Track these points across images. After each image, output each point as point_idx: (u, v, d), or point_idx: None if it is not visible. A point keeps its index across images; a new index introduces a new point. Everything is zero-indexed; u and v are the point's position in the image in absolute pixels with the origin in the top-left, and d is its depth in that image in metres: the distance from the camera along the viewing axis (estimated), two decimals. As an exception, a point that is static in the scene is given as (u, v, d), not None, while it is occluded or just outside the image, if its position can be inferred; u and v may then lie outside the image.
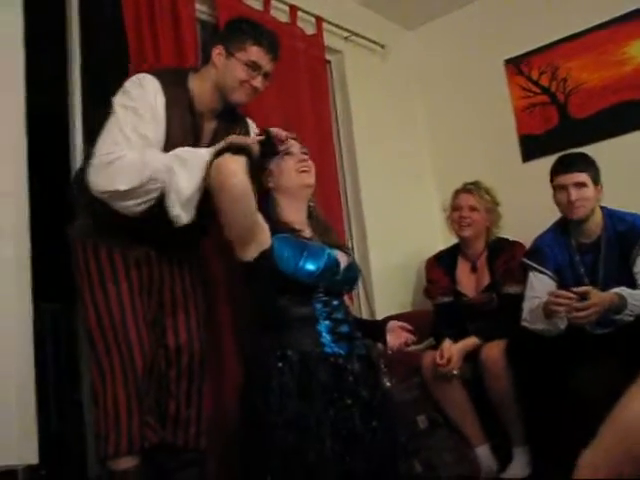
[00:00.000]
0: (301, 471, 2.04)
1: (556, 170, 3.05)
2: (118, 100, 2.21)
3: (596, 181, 2.99)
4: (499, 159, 4.31)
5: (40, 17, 2.67)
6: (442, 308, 3.51)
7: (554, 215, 3.16)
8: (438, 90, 4.63)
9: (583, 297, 2.71)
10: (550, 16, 4.12)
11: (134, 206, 2.10)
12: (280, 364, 2.13)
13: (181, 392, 2.38)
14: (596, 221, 3.02)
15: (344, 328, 2.29)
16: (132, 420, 2.18)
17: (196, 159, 2.09)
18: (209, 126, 2.40)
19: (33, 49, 2.59)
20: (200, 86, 2.36)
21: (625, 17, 3.87)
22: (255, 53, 2.33)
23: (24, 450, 2.25)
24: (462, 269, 3.54)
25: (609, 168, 3.08)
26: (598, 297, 2.71)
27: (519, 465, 2.98)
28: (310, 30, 3.84)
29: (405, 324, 2.47)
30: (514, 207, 3.95)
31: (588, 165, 3.01)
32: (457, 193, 3.58)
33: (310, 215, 2.46)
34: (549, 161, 3.17)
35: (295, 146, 2.44)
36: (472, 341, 3.16)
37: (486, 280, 3.42)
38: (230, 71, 2.32)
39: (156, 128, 2.20)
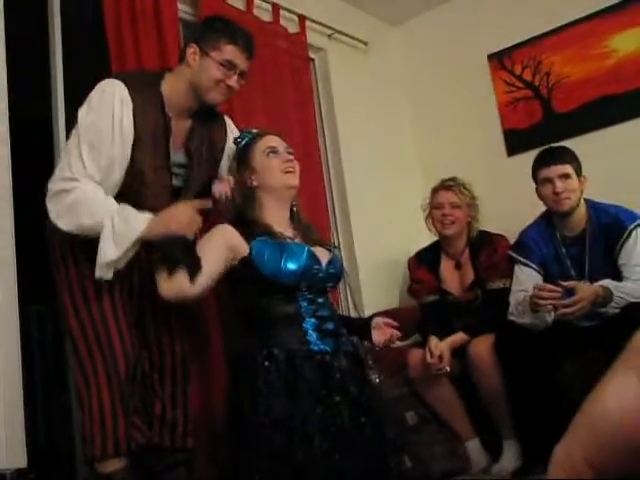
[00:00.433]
0: (290, 470, 2.03)
1: (540, 163, 3.07)
2: (81, 114, 2.18)
3: (579, 173, 3.01)
4: (484, 154, 4.33)
5: (21, 19, 2.66)
6: (428, 307, 3.48)
7: (539, 209, 3.17)
8: (422, 86, 4.64)
9: (570, 291, 2.73)
10: (532, 10, 4.14)
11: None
12: (266, 363, 2.13)
13: (166, 393, 2.37)
14: (581, 214, 3.03)
15: (330, 325, 2.29)
16: (118, 422, 2.16)
17: (127, 234, 2.09)
18: (183, 125, 2.37)
19: (15, 52, 2.57)
20: (174, 86, 2.32)
21: (606, 10, 3.89)
22: (230, 52, 2.29)
23: (12, 454, 2.25)
24: (446, 267, 3.50)
25: (593, 161, 3.11)
26: (585, 291, 2.72)
27: (508, 458, 2.99)
28: (293, 29, 3.84)
29: (390, 320, 2.47)
30: (499, 201, 3.99)
31: (571, 157, 3.03)
32: (436, 191, 3.51)
33: (292, 215, 2.45)
34: (534, 155, 3.19)
35: (281, 146, 2.42)
36: (459, 337, 3.15)
37: (470, 276, 3.39)
38: (205, 71, 2.28)
39: (117, 142, 2.17)
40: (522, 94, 4.22)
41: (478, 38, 4.36)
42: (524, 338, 2.88)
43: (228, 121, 2.61)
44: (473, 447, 3.13)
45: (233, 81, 2.32)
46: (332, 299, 2.53)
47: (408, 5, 4.51)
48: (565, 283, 2.75)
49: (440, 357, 3.06)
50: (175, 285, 2.13)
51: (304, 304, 2.27)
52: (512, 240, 3.30)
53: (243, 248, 2.25)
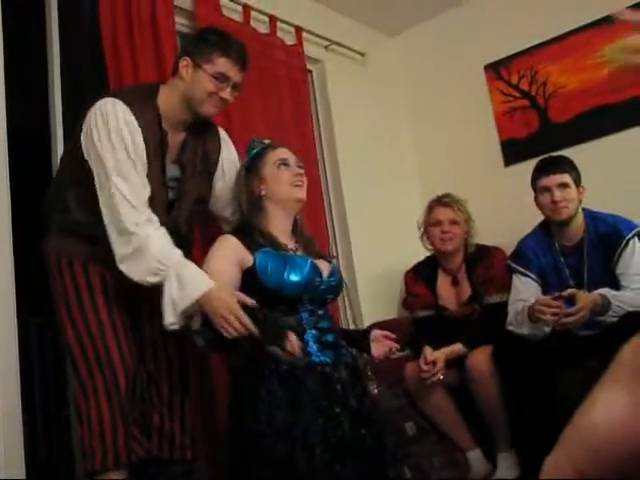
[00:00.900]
0: (291, 481, 2.04)
1: (539, 172, 3.08)
2: (97, 149, 2.17)
3: (577, 183, 3.02)
4: (481, 164, 4.34)
5: (19, 30, 2.67)
6: (421, 321, 3.45)
7: (537, 218, 3.18)
8: (419, 97, 4.66)
9: (569, 300, 2.73)
10: (528, 21, 4.16)
11: None
12: (268, 373, 2.13)
13: (163, 405, 2.37)
14: (578, 223, 3.04)
15: (329, 337, 2.29)
16: (117, 435, 2.16)
17: (182, 300, 2.08)
18: (177, 138, 2.37)
19: (12, 63, 2.58)
20: (168, 99, 2.32)
21: (601, 21, 3.91)
22: (223, 65, 2.28)
23: (11, 467, 2.24)
24: (443, 283, 3.48)
25: (589, 171, 3.11)
26: (584, 300, 2.72)
27: (503, 471, 2.97)
28: (290, 40, 3.86)
29: (388, 333, 2.46)
30: (496, 211, 3.99)
31: (570, 167, 3.04)
32: (432, 208, 3.49)
33: (295, 227, 2.46)
34: (531, 165, 3.20)
35: (292, 159, 2.43)
36: (457, 348, 3.14)
37: (467, 292, 3.38)
38: (198, 83, 2.27)
39: (138, 164, 2.19)
40: (519, 104, 4.24)
41: (475, 48, 4.38)
42: (522, 348, 2.88)
43: (222, 133, 2.61)
44: (475, 457, 3.11)
45: (226, 93, 2.31)
46: (332, 311, 2.53)
47: (405, 16, 4.52)
48: (565, 292, 2.76)
49: (434, 363, 3.03)
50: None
51: (305, 315, 2.27)
52: (509, 250, 3.30)
53: (248, 259, 2.25)
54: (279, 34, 3.76)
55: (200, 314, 2.10)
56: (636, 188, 3.68)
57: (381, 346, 2.42)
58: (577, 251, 3.04)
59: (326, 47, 4.18)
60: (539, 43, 4.15)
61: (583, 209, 3.07)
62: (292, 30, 3.88)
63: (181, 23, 3.32)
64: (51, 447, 3.54)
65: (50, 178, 2.75)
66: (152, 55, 2.95)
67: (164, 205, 2.33)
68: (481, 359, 3.01)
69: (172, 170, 2.37)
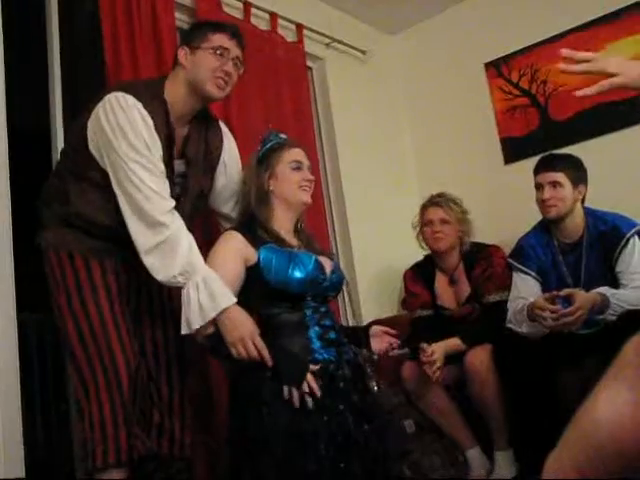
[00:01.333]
0: (296, 479, 2.03)
1: (535, 169, 3.11)
2: (122, 149, 2.14)
3: (576, 182, 3.01)
4: (481, 162, 4.34)
5: (19, 30, 2.67)
6: (420, 321, 3.45)
7: (536, 216, 3.18)
8: (420, 95, 4.66)
9: (567, 299, 2.73)
10: (529, 19, 4.16)
11: None
12: (269, 373, 2.12)
13: (163, 401, 2.37)
14: (577, 221, 3.04)
15: (332, 334, 2.30)
16: (119, 431, 2.15)
17: (213, 309, 2.09)
18: (181, 133, 2.37)
19: (13, 63, 2.58)
20: (174, 91, 2.32)
21: (603, 19, 3.91)
22: (219, 39, 2.30)
23: (10, 464, 2.24)
24: (440, 283, 3.48)
25: (589, 169, 3.10)
26: (582, 299, 2.72)
27: (501, 469, 2.97)
28: (291, 37, 3.85)
29: (388, 329, 2.48)
30: (497, 209, 4.00)
31: (568, 165, 3.03)
32: (425, 208, 3.50)
33: (297, 226, 2.48)
34: (531, 163, 3.21)
35: (305, 162, 2.46)
36: (455, 342, 3.11)
37: (466, 291, 3.37)
38: (199, 64, 2.28)
39: (156, 157, 2.19)
40: (519, 102, 4.24)
41: (475, 46, 4.38)
42: (522, 346, 2.88)
43: (224, 127, 2.61)
44: (474, 455, 3.11)
45: (229, 66, 2.32)
46: (332, 308, 2.54)
47: (406, 14, 4.52)
48: (562, 292, 2.76)
49: (432, 353, 3.00)
50: None
51: (309, 312, 2.28)
52: (508, 248, 3.30)
53: (252, 255, 2.26)
54: (280, 31, 3.75)
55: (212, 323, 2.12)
56: (636, 186, 3.68)
57: (381, 341, 2.44)
58: (576, 249, 3.04)
59: (327, 44, 4.17)
60: (540, 41, 4.14)
61: (584, 208, 3.07)
62: (293, 27, 3.88)
63: (181, 19, 3.31)
64: (51, 445, 3.54)
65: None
66: (152, 51, 2.94)
67: None
68: (480, 357, 3.01)
69: (178, 165, 2.37)
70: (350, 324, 3.31)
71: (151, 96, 2.26)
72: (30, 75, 3.15)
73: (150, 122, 2.19)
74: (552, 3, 4.07)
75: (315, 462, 2.03)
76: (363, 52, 4.40)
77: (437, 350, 3.02)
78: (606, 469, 0.92)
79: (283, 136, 2.51)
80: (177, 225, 2.14)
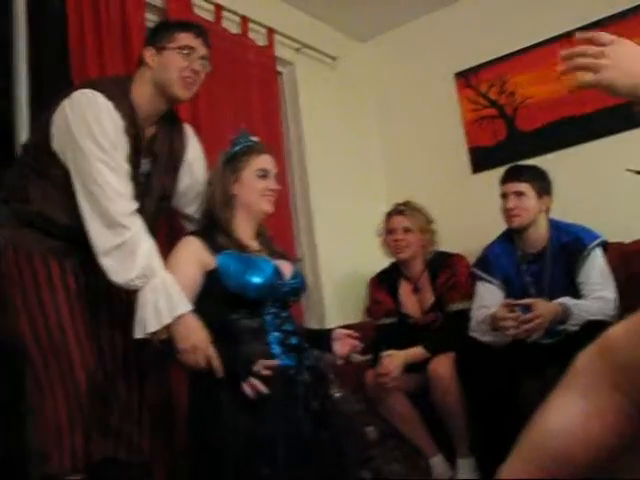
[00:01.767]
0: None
1: (502, 179, 3.14)
2: (88, 147, 2.11)
3: (541, 193, 3.04)
4: (450, 170, 4.37)
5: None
6: (384, 328, 3.45)
7: (503, 226, 3.20)
8: (389, 102, 4.68)
9: (528, 309, 2.76)
10: (499, 31, 4.21)
11: None
12: (229, 378, 2.11)
13: (121, 405, 2.33)
14: (540, 231, 3.07)
15: (293, 340, 2.29)
16: (75, 436, 2.10)
17: (169, 312, 2.08)
18: (148, 132, 2.35)
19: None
20: (140, 92, 2.29)
21: (570, 34, 3.95)
22: (185, 38, 2.29)
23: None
24: (404, 291, 3.48)
25: (554, 180, 3.14)
26: (542, 307, 2.75)
27: (463, 477, 2.98)
28: (261, 41, 3.85)
29: (351, 332, 2.47)
30: (463, 218, 4.03)
31: (533, 176, 3.07)
32: (389, 216, 3.51)
33: (258, 231, 2.48)
34: (498, 172, 3.24)
35: (272, 170, 2.45)
36: (418, 351, 3.12)
37: (430, 299, 3.38)
38: (165, 64, 2.27)
39: (121, 158, 2.17)
40: (487, 112, 4.28)
41: (445, 56, 4.42)
42: (485, 355, 2.90)
43: (188, 129, 2.59)
44: (437, 463, 3.11)
45: (196, 64, 2.30)
46: (296, 313, 2.53)
47: (376, 21, 4.54)
48: (522, 301, 2.79)
49: (390, 363, 3.01)
50: None
51: (268, 318, 2.27)
52: (474, 257, 3.32)
53: (210, 261, 2.26)
54: (250, 35, 3.75)
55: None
56: (599, 199, 3.73)
57: (343, 344, 2.43)
58: (539, 259, 3.07)
59: (297, 49, 4.17)
60: (508, 53, 4.19)
61: (548, 219, 3.10)
62: (264, 31, 3.87)
63: (152, 20, 3.28)
64: (8, 448, 3.46)
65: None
66: (120, 51, 2.92)
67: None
68: (443, 365, 3.01)
69: (144, 165, 2.35)
70: (312, 326, 3.30)
71: (120, 95, 2.23)
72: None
73: (119, 121, 2.17)
74: (521, 17, 4.12)
75: (271, 467, 2.02)
76: (333, 58, 4.41)
77: (396, 359, 3.02)
78: (560, 476, 0.93)
79: (254, 139, 2.50)
80: (138, 227, 2.11)
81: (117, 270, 2.08)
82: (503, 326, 2.77)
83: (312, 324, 3.57)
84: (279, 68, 4.10)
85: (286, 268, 2.40)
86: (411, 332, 3.34)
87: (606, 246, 3.06)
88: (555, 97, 3.99)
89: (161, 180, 2.42)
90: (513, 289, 3.06)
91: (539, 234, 3.07)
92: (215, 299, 2.25)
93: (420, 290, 3.43)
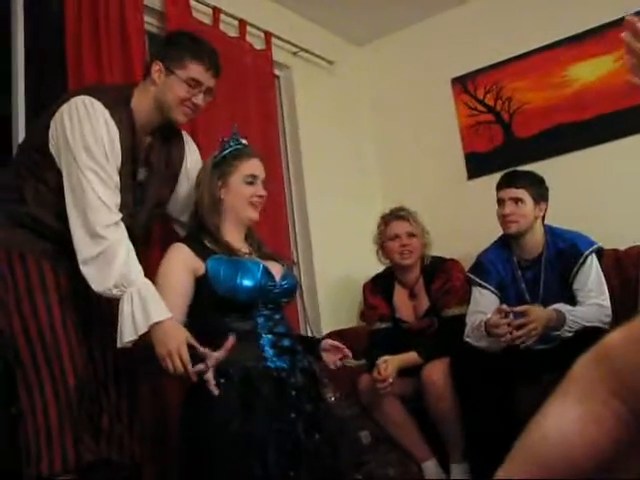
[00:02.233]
0: (245, 486, 2.02)
1: (498, 185, 3.14)
2: (79, 155, 2.11)
3: (537, 199, 3.05)
4: (445, 176, 4.37)
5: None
6: (378, 333, 3.43)
7: (498, 232, 3.21)
8: (386, 107, 4.68)
9: (523, 315, 2.76)
10: (496, 36, 4.21)
11: None
12: (222, 380, 2.11)
13: (111, 406, 2.32)
14: (536, 238, 3.07)
15: (286, 342, 2.30)
16: (65, 438, 2.09)
17: (144, 321, 2.06)
18: (145, 141, 2.36)
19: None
20: (141, 103, 2.30)
21: (567, 40, 3.98)
22: (195, 70, 2.27)
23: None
24: (399, 296, 3.46)
25: (551, 187, 3.14)
26: (536, 313, 2.75)
27: None
28: (259, 45, 3.85)
29: (338, 344, 2.46)
30: (459, 223, 4.03)
31: (529, 182, 3.06)
32: (388, 222, 3.47)
33: (247, 234, 2.48)
34: (493, 179, 3.24)
35: (260, 175, 2.43)
36: (412, 356, 3.12)
37: (425, 305, 3.36)
38: (170, 89, 2.26)
39: (112, 166, 2.16)
40: (484, 118, 4.28)
41: (442, 61, 4.42)
42: (479, 361, 2.90)
43: (186, 137, 2.59)
44: (430, 467, 3.11)
45: (199, 99, 2.30)
46: (289, 316, 2.53)
47: (374, 26, 4.55)
48: (517, 308, 2.79)
49: (385, 368, 3.00)
50: None
51: (260, 320, 2.27)
52: (469, 263, 3.32)
53: (200, 267, 2.26)
54: (248, 38, 3.75)
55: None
56: (595, 205, 3.74)
57: (332, 355, 2.43)
58: (535, 265, 3.08)
59: (294, 53, 4.18)
60: (506, 59, 4.20)
61: (544, 225, 3.11)
62: (261, 35, 3.88)
63: (150, 23, 3.29)
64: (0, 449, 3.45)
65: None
66: (119, 53, 2.91)
67: (128, 209, 2.30)
68: (437, 371, 3.01)
69: (139, 174, 2.35)
70: (308, 332, 3.30)
71: (119, 104, 2.23)
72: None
73: (114, 131, 2.17)
74: (519, 23, 4.13)
75: (263, 469, 2.01)
76: (330, 62, 4.41)
77: (391, 365, 3.02)
78: None
79: (244, 141, 2.48)
80: (117, 237, 2.10)
81: (95, 279, 2.08)
82: (497, 332, 2.77)
83: (306, 328, 3.57)
84: (276, 72, 4.11)
85: (276, 270, 2.39)
86: (405, 337, 3.33)
87: (602, 253, 3.07)
88: (552, 103, 4.01)
89: (158, 189, 2.42)
90: (508, 295, 3.07)
91: (535, 240, 3.08)
92: (206, 304, 2.26)
93: (415, 295, 3.42)
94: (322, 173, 4.17)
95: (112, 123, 2.16)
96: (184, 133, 2.59)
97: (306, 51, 4.21)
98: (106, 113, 2.16)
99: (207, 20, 3.52)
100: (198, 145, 2.67)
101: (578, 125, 3.91)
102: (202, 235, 2.36)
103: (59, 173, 2.17)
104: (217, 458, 2.04)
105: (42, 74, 2.82)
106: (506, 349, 2.84)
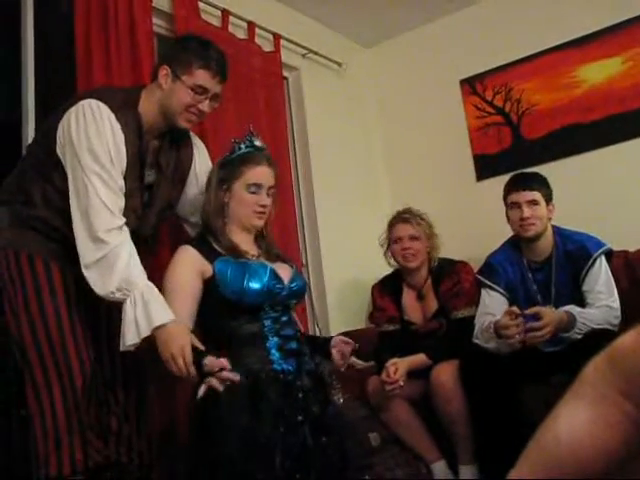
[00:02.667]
0: (252, 488, 2.02)
1: (510, 188, 3.09)
2: (85, 158, 2.11)
3: (548, 200, 3.04)
4: (454, 178, 4.37)
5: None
6: (386, 335, 3.42)
7: (507, 234, 3.20)
8: (394, 108, 4.69)
9: (535, 317, 2.75)
10: (505, 38, 4.21)
11: None
12: (229, 382, 2.11)
13: (120, 407, 2.33)
14: (547, 240, 3.06)
15: (293, 344, 2.29)
16: (74, 439, 2.10)
17: (147, 325, 2.05)
18: (153, 145, 2.36)
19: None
20: (147, 107, 2.29)
21: (576, 42, 3.97)
22: (201, 77, 2.25)
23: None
24: (408, 298, 3.44)
25: (559, 188, 3.13)
26: (550, 315, 2.74)
27: None
28: (268, 47, 3.86)
29: (347, 339, 2.45)
30: (467, 225, 4.02)
31: (541, 184, 3.05)
32: (393, 224, 3.45)
33: (257, 235, 2.47)
34: (502, 180, 3.22)
35: (266, 183, 2.39)
36: (420, 358, 3.11)
37: (433, 306, 3.34)
38: (175, 95, 2.25)
39: (117, 171, 2.16)
40: (492, 120, 4.28)
41: (451, 63, 4.42)
42: (488, 363, 2.89)
43: (195, 139, 2.59)
44: (439, 469, 3.10)
45: (204, 105, 2.29)
46: (298, 318, 2.52)
47: (382, 28, 4.55)
48: (528, 310, 2.77)
49: (395, 371, 2.98)
50: None
51: (268, 323, 2.27)
52: (478, 265, 3.30)
53: (207, 269, 2.26)
54: (257, 40, 3.76)
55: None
56: (604, 207, 3.74)
57: (340, 350, 2.40)
58: (545, 267, 3.06)
59: (303, 55, 4.19)
60: (514, 60, 4.20)
61: (552, 226, 3.10)
62: (270, 37, 3.89)
63: (159, 25, 3.30)
64: (10, 451, 3.46)
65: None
66: (128, 56, 2.92)
67: (136, 212, 2.31)
68: (446, 373, 2.99)
69: (148, 176, 2.35)
70: (317, 333, 3.30)
71: (126, 107, 2.23)
72: (2, 66, 3.11)
73: (120, 135, 2.16)
74: (527, 24, 4.13)
75: (269, 472, 2.01)
76: (339, 64, 4.42)
77: (400, 367, 3.02)
78: None
79: (257, 143, 2.44)
80: (119, 241, 2.09)
81: (97, 283, 2.08)
82: (506, 334, 2.76)
83: (314, 329, 3.57)
84: (285, 74, 4.12)
85: (285, 271, 2.38)
86: (414, 339, 3.33)
87: (611, 254, 3.06)
88: (560, 105, 4.01)
89: (167, 191, 2.43)
90: (518, 297, 3.06)
91: (546, 242, 3.06)
92: (213, 306, 2.25)
93: (424, 297, 3.41)
94: (331, 175, 4.17)
95: (118, 127, 2.16)
96: (193, 135, 2.59)
97: (315, 53, 4.21)
98: (112, 116, 2.16)
99: (216, 22, 3.53)
100: (207, 147, 2.67)
101: (587, 126, 3.91)
102: (209, 237, 2.36)
103: (66, 175, 2.17)
104: (224, 460, 2.03)
105: (51, 78, 2.84)
106: (515, 351, 2.84)
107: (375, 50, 4.81)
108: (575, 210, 3.40)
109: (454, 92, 4.42)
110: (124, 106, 2.23)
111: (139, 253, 2.16)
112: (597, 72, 3.90)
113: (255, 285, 2.23)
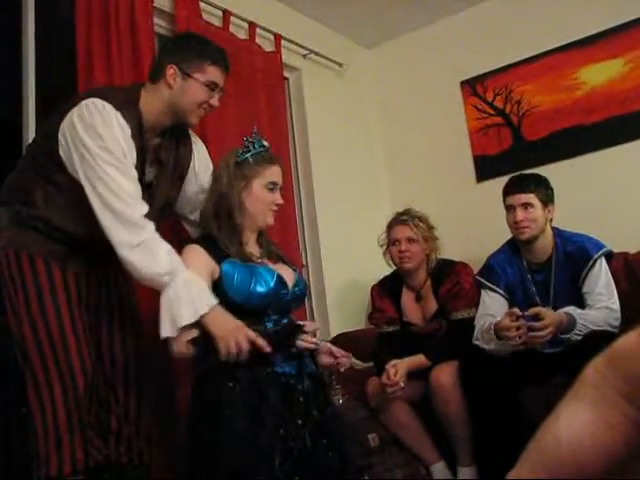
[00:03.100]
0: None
1: (506, 190, 3.10)
2: (95, 151, 2.11)
3: (546, 202, 3.03)
4: (454, 179, 4.37)
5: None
6: (386, 336, 3.42)
7: (507, 235, 3.20)
8: (395, 109, 4.69)
9: (535, 318, 2.75)
10: (505, 39, 4.22)
11: None
12: (230, 384, 2.11)
13: (120, 406, 2.33)
14: (546, 241, 3.06)
15: (293, 347, 2.28)
16: (74, 439, 2.11)
17: (206, 301, 2.10)
18: (153, 143, 2.36)
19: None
20: (151, 104, 2.29)
21: (577, 43, 3.97)
22: (213, 73, 2.29)
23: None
24: (407, 299, 3.44)
25: (559, 190, 3.13)
26: (551, 316, 2.74)
27: None
28: (269, 47, 3.86)
29: (336, 350, 2.43)
30: (468, 226, 4.03)
31: (537, 186, 3.04)
32: (391, 226, 3.45)
33: (260, 237, 2.48)
34: (502, 182, 3.21)
35: (279, 183, 2.42)
36: (420, 359, 3.11)
37: (433, 308, 3.34)
38: (187, 92, 2.27)
39: (132, 162, 2.18)
40: (493, 121, 4.28)
41: (452, 64, 4.42)
42: (488, 364, 2.89)
43: (194, 137, 2.59)
44: (438, 470, 3.10)
45: (215, 100, 2.33)
46: (298, 318, 2.53)
47: (383, 28, 4.55)
48: (528, 312, 2.77)
49: (395, 373, 2.98)
50: None
51: (269, 325, 2.27)
52: (478, 266, 3.30)
53: (215, 270, 2.26)
54: (258, 41, 3.76)
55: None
56: (605, 208, 3.74)
57: (327, 358, 2.41)
58: (545, 268, 3.06)
59: (304, 56, 4.19)
60: (515, 62, 4.20)
61: (553, 228, 3.10)
62: (271, 37, 3.89)
63: (160, 25, 3.30)
64: (10, 450, 3.46)
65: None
66: (129, 56, 2.93)
67: None
68: (445, 374, 3.00)
69: (148, 173, 2.36)
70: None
71: (128, 105, 2.23)
72: (3, 66, 3.11)
73: (128, 131, 2.17)
74: (528, 26, 4.13)
75: (268, 474, 2.00)
76: (340, 64, 4.42)
77: (400, 369, 3.02)
78: None
79: (266, 144, 2.45)
80: (153, 226, 2.13)
81: (140, 265, 2.09)
82: (507, 335, 2.76)
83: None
84: (286, 74, 4.12)
85: (288, 274, 2.39)
86: (413, 340, 3.33)
87: (611, 256, 3.06)
88: (561, 106, 4.01)
89: (166, 189, 2.43)
90: (517, 299, 3.06)
91: (545, 244, 3.06)
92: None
93: (423, 298, 3.41)
94: (331, 175, 4.18)
95: (124, 122, 2.17)
96: (192, 134, 2.59)
97: (316, 53, 4.21)
98: (118, 114, 2.16)
99: (217, 22, 3.53)
100: (207, 146, 2.67)
101: (588, 128, 3.91)
102: (217, 237, 2.35)
103: (68, 176, 2.17)
104: (222, 462, 2.03)
105: (52, 78, 2.84)
106: (514, 352, 2.84)
107: (376, 51, 4.81)
108: (575, 211, 3.40)
109: (455, 93, 4.42)
110: (126, 104, 2.23)
111: None
112: (598, 74, 3.90)
113: (261, 289, 2.24)
